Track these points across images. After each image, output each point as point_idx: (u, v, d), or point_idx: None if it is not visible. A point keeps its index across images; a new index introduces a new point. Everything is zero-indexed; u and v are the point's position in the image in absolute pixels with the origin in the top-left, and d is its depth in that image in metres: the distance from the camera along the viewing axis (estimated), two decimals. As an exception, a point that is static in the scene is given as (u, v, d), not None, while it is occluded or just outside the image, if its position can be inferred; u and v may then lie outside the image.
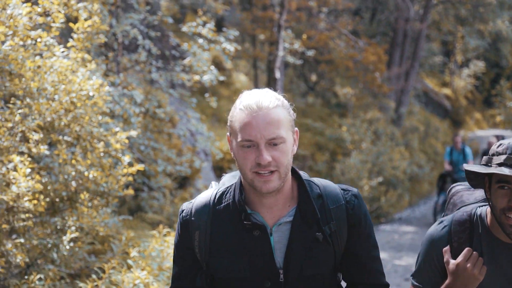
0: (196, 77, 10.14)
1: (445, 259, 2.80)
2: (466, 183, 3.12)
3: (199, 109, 14.37)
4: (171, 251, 5.89)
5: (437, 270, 2.86)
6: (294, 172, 2.63)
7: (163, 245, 6.03)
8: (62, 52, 5.98)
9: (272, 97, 2.49)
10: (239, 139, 2.45)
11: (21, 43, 5.36)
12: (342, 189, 2.64)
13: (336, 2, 17.43)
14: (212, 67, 10.32)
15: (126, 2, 9.67)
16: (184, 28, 10.19)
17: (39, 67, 5.40)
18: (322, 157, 17.28)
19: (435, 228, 2.90)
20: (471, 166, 2.77)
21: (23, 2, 5.71)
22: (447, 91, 35.89)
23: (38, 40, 5.58)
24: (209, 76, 10.12)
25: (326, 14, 19.89)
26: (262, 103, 2.44)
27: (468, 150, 14.86)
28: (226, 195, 2.61)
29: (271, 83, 16.67)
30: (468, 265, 2.73)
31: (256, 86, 17.78)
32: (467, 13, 24.65)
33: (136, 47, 10.37)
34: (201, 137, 10.69)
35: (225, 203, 2.58)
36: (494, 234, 2.80)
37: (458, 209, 3.02)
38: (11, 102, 5.31)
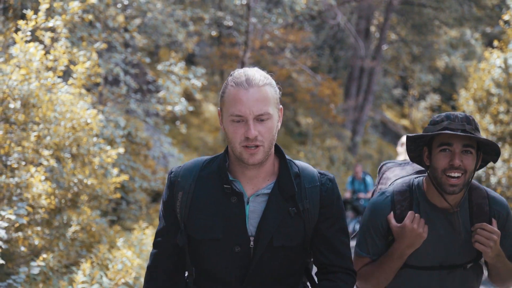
0: (169, 108, 11.98)
1: (391, 225, 3.08)
2: (395, 160, 3.56)
3: (171, 135, 16.20)
4: (149, 240, 7.65)
5: (381, 236, 3.13)
6: (278, 150, 2.78)
7: (143, 235, 7.79)
8: (65, 88, 7.74)
9: (261, 76, 2.64)
10: (229, 114, 2.60)
11: (36, 81, 7.12)
12: (319, 173, 2.80)
13: (295, 42, 19.42)
14: (183, 99, 12.17)
15: (110, 44, 11.47)
16: (159, 67, 12.05)
17: (49, 100, 7.17)
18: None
19: (378, 199, 3.17)
20: (414, 134, 3.05)
21: (39, 50, 7.47)
22: (405, 122, 38.11)
23: (49, 80, 7.33)
24: (180, 107, 11.96)
25: (290, 50, 21.87)
26: (252, 81, 2.59)
27: (369, 179, 15.16)
28: (213, 162, 2.78)
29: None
30: (414, 225, 3.00)
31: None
32: (419, 52, 26.92)
33: (118, 82, 12.15)
34: (172, 158, 12.49)
35: (211, 169, 2.75)
36: (430, 200, 3.09)
37: (394, 181, 3.32)
38: (27, 128, 7.04)
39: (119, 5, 11.81)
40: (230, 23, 18.22)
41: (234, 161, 2.70)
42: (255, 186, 2.70)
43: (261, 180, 2.71)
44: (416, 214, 3.02)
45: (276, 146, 2.75)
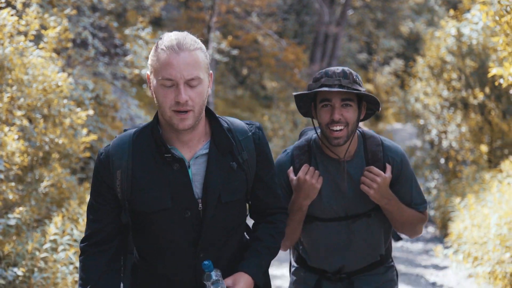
0: (136, 71, 12.39)
1: (290, 178, 3.25)
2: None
3: (138, 97, 16.59)
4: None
5: (285, 191, 3.26)
6: (207, 111, 2.80)
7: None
8: (36, 52, 8.11)
9: (192, 40, 2.62)
10: (159, 78, 2.58)
11: (10, 46, 7.49)
12: (247, 123, 2.88)
13: (261, 7, 19.80)
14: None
15: (79, 9, 11.76)
16: (127, 31, 12.41)
17: (22, 63, 7.55)
18: (248, 142, 19.69)
19: (280, 156, 3.36)
20: (299, 92, 3.18)
21: (11, 15, 7.80)
22: (369, 86, 38.81)
23: (21, 44, 7.70)
24: (147, 70, 12.35)
25: (256, 15, 22.27)
26: (183, 45, 2.57)
27: None
28: (143, 134, 2.76)
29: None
30: (307, 176, 3.16)
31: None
32: (383, 18, 27.50)
33: (86, 45, 12.47)
34: (139, 120, 12.91)
35: (144, 141, 2.73)
36: (325, 152, 3.27)
37: None
38: (2, 90, 7.43)
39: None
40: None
41: (166, 128, 2.70)
42: (192, 149, 2.72)
43: (196, 142, 2.73)
44: (311, 167, 3.18)
45: (206, 108, 2.76)
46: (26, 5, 8.10)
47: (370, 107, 3.23)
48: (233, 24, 19.92)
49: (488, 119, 11.86)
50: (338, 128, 3.07)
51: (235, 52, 18.49)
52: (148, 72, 2.68)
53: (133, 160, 2.69)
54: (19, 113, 7.43)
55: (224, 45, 17.62)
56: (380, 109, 3.15)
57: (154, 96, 2.66)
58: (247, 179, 2.79)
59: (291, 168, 3.25)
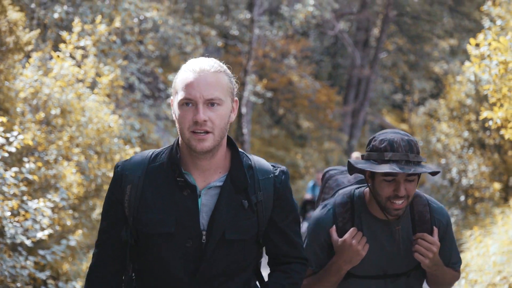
0: (177, 113, 13.56)
1: (332, 238, 3.05)
2: (338, 167, 3.51)
3: (179, 136, 17.77)
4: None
5: (324, 249, 3.11)
6: (231, 143, 2.69)
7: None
8: (92, 97, 9.33)
9: (215, 63, 2.58)
10: (179, 98, 2.53)
11: (72, 93, 8.72)
12: (272, 165, 2.75)
13: (296, 51, 20.99)
14: (190, 105, 13.75)
15: (126, 57, 13.05)
16: (170, 77, 13.63)
17: (80, 107, 8.75)
18: (281, 179, 20.70)
19: (320, 212, 3.15)
20: (357, 162, 2.97)
21: (72, 66, 9.02)
22: (404, 126, 39.52)
23: (79, 90, 8.90)
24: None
25: (293, 56, 23.46)
26: (204, 66, 2.53)
27: None
28: (162, 155, 2.69)
29: (240, 117, 20.12)
30: (353, 241, 2.98)
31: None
32: (415, 60, 28.48)
33: (133, 88, 13.74)
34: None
35: (160, 161, 2.66)
36: (371, 212, 3.08)
37: (335, 191, 3.29)
38: (64, 130, 8.62)
39: (135, 20, 13.39)
40: (236, 33, 19.79)
41: (185, 153, 2.63)
42: (207, 179, 2.64)
43: (212, 172, 2.64)
44: (359, 232, 3.02)
45: (229, 139, 2.70)
46: (84, 56, 9.34)
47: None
48: (269, 67, 21.11)
49: (503, 158, 12.66)
50: (400, 202, 2.95)
51: (269, 94, 19.64)
52: (171, 97, 2.65)
53: (145, 178, 2.64)
54: (76, 150, 8.59)
55: (259, 88, 18.81)
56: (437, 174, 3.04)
57: (175, 119, 2.62)
58: (259, 222, 2.68)
59: (334, 227, 3.10)
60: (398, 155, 2.90)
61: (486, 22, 10.12)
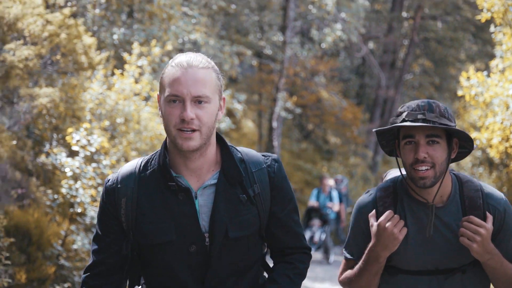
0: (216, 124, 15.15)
1: (370, 223, 2.83)
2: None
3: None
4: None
5: (366, 237, 2.89)
6: (219, 139, 2.63)
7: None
8: (146, 108, 10.89)
9: (203, 59, 2.51)
10: (166, 94, 2.45)
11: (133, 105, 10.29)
12: (263, 155, 2.68)
13: (324, 71, 22.49)
14: (227, 118, 15.33)
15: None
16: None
17: (138, 117, 10.31)
18: (308, 191, 22.12)
19: (362, 197, 2.98)
20: (380, 128, 2.83)
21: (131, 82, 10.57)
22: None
23: (137, 103, 10.45)
24: (225, 124, 15.12)
25: (323, 74, 24.92)
26: (192, 62, 2.46)
27: (334, 194, 15.15)
28: (151, 161, 2.60)
29: (271, 130, 21.61)
30: (388, 224, 2.74)
31: (260, 131, 22.96)
32: (440, 82, 29.78)
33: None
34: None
35: (151, 169, 2.57)
36: (413, 195, 2.85)
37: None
38: (125, 136, 10.16)
39: (180, 40, 14.99)
40: (270, 52, 21.35)
41: (174, 154, 2.55)
42: (200, 179, 2.57)
43: (205, 171, 2.57)
44: (396, 215, 2.80)
45: (218, 135, 2.64)
46: (141, 74, 10.95)
47: (463, 145, 2.84)
48: (299, 85, 22.63)
49: (509, 176, 13.88)
50: (423, 168, 2.73)
51: (298, 110, 21.13)
52: (158, 93, 2.57)
53: (139, 189, 2.56)
54: (134, 153, 10.13)
55: (289, 104, 20.31)
56: (475, 146, 2.81)
57: (161, 115, 2.55)
58: (260, 214, 2.62)
59: (374, 211, 2.88)
60: (413, 114, 2.73)
61: (498, 51, 11.42)
